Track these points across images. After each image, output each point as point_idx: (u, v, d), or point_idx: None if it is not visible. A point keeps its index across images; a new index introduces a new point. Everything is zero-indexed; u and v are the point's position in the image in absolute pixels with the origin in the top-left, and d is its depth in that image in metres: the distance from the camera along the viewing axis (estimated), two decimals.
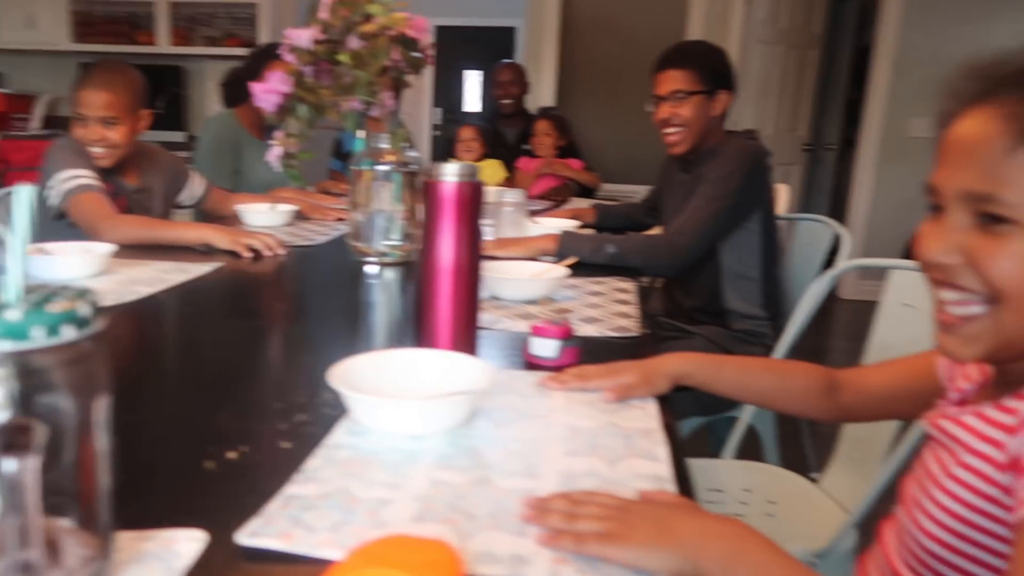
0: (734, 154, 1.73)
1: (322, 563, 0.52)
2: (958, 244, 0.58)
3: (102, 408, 0.48)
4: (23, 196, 0.49)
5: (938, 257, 0.59)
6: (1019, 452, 0.52)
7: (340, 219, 2.19)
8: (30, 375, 0.45)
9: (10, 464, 0.43)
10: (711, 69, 1.82)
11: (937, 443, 0.64)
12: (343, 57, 1.50)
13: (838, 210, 5.71)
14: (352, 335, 1.17)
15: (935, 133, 0.62)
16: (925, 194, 0.62)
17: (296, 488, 0.63)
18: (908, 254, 0.78)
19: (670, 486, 0.66)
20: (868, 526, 0.91)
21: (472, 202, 0.89)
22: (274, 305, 1.35)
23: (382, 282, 1.50)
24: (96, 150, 1.80)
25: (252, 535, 0.55)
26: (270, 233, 1.75)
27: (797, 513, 1.34)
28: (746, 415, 1.52)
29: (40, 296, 0.46)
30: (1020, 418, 0.53)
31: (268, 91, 1.56)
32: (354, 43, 1.52)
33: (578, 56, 5.14)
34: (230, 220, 2.12)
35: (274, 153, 1.61)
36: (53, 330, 0.45)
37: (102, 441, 0.48)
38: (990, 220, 0.56)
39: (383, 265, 1.58)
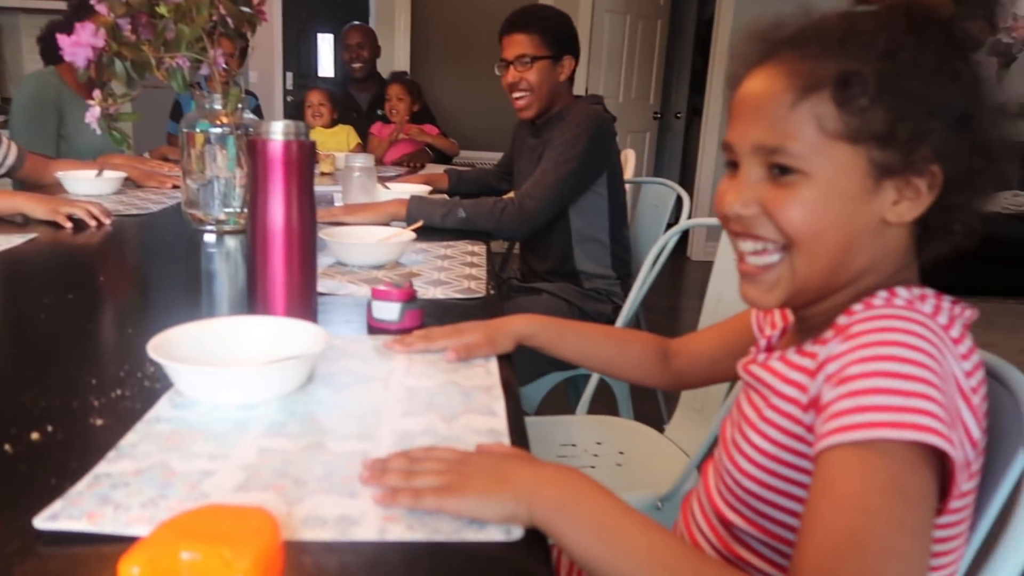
0: (579, 119, 1.76)
1: (132, 541, 0.49)
2: (754, 196, 0.62)
3: None
4: None
5: (737, 210, 0.63)
6: (819, 393, 0.56)
7: (176, 186, 2.05)
8: None
9: None
10: (556, 34, 1.84)
11: (751, 388, 0.69)
12: (162, 9, 1.39)
13: (687, 175, 6.00)
14: (188, 307, 1.11)
15: (728, 96, 0.66)
16: (723, 152, 0.66)
17: (107, 466, 0.58)
18: None
19: (506, 439, 0.67)
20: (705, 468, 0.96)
21: (301, 162, 0.85)
22: (98, 278, 1.25)
23: (221, 251, 1.42)
24: None
25: (52, 518, 0.51)
26: (94, 201, 1.61)
27: (645, 461, 1.41)
28: None
29: None
30: (819, 361, 0.57)
31: (77, 45, 1.42)
32: None
33: (432, 20, 5.07)
34: (51, 188, 1.94)
35: (92, 114, 1.47)
36: None
37: None
38: (780, 171, 0.60)
39: (222, 233, 1.50)
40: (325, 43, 6.69)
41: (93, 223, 1.54)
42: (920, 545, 0.48)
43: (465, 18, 5.10)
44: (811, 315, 0.66)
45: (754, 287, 0.64)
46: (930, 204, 0.59)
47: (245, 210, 1.52)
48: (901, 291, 0.58)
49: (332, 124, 3.23)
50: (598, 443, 1.46)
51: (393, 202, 1.67)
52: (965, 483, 0.55)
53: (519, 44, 1.83)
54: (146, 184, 2.08)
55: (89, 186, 1.88)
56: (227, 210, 1.51)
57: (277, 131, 0.85)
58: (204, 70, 1.49)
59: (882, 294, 0.58)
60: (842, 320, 0.57)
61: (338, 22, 4.81)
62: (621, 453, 1.42)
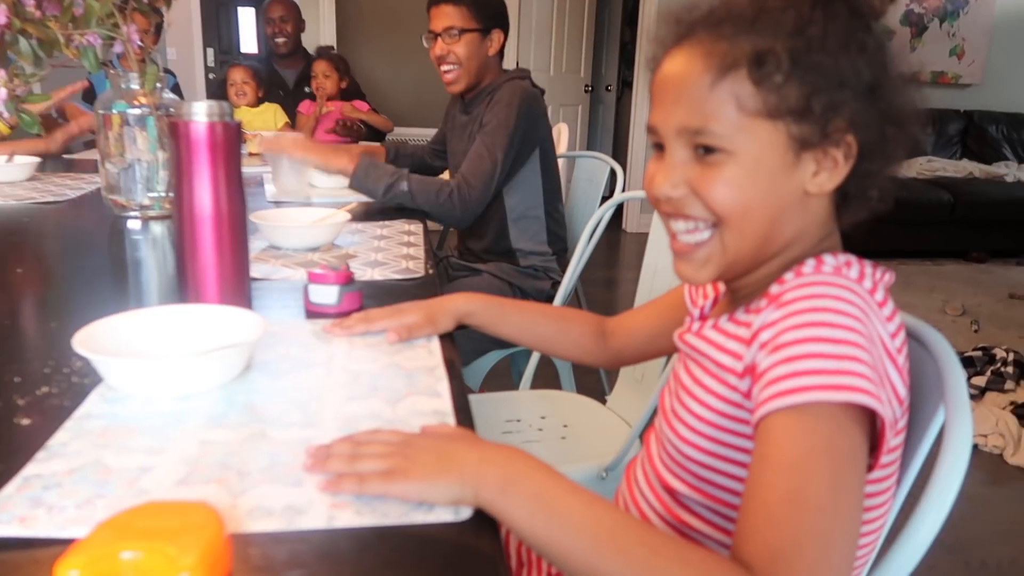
0: (508, 97, 1.75)
1: (69, 544, 0.47)
2: (682, 177, 0.63)
3: None
4: None
5: (666, 191, 0.64)
6: (754, 360, 0.58)
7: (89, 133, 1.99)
8: None
9: None
10: (485, 7, 1.82)
11: (687, 357, 0.70)
12: None
13: (620, 148, 6.07)
14: (114, 298, 1.06)
15: (648, 78, 0.67)
16: (648, 135, 0.67)
17: (37, 467, 0.56)
18: None
19: (451, 420, 0.67)
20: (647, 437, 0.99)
21: (227, 144, 0.83)
22: (15, 270, 1.19)
23: (147, 238, 1.37)
24: None
25: None
26: None
27: (588, 433, 1.43)
28: None
29: None
30: (753, 330, 0.59)
31: None
32: None
33: None
34: None
35: None
36: None
37: None
38: (705, 151, 0.62)
39: (146, 219, 1.45)
40: (247, 17, 6.46)
41: None
42: (854, 501, 0.51)
43: None
44: (742, 286, 0.68)
45: (687, 264, 0.66)
46: (847, 173, 0.61)
47: (170, 195, 1.47)
48: (828, 259, 0.60)
49: (258, 103, 3.14)
50: (542, 417, 1.47)
51: (344, 156, 1.63)
52: (893, 439, 0.58)
53: (447, 16, 1.80)
54: (58, 146, 2.03)
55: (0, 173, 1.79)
56: (151, 195, 1.46)
57: (200, 112, 0.82)
58: (118, 47, 1.43)
59: (810, 262, 0.60)
60: (774, 289, 0.59)
61: None
62: (565, 426, 1.44)
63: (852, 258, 0.61)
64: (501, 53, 1.89)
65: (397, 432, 0.61)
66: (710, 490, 0.65)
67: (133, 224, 1.43)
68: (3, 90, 1.41)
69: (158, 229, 1.41)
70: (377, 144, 2.36)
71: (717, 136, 0.60)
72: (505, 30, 1.86)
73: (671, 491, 0.70)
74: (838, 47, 0.59)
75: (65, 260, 1.30)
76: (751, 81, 0.59)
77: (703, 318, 0.73)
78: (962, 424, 0.58)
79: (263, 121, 3.08)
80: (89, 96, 3.16)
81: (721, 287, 0.76)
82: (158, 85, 1.46)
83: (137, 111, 1.43)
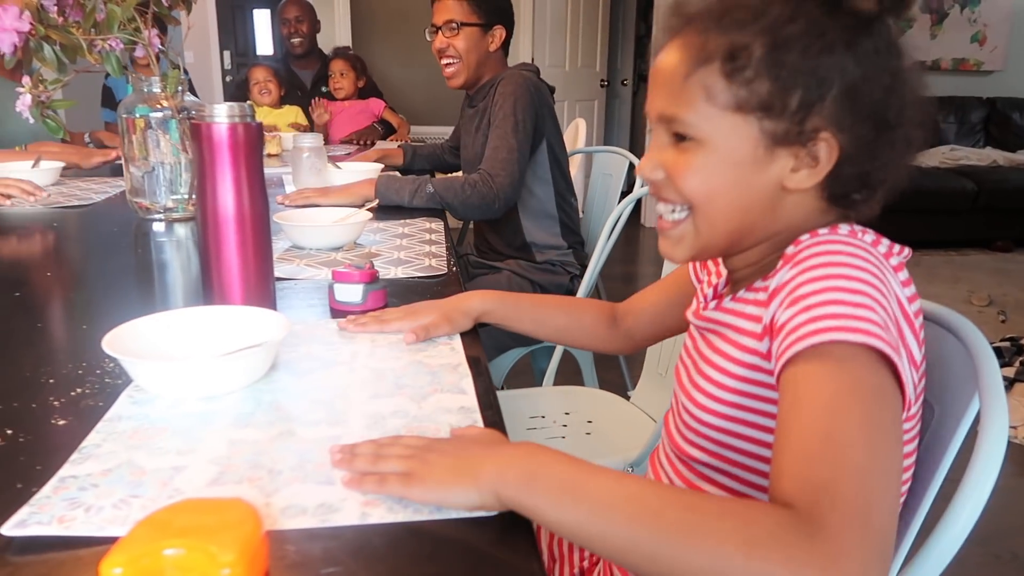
0: (509, 88, 1.74)
1: (108, 543, 0.48)
2: (660, 161, 0.66)
3: None
4: None
5: (647, 174, 0.67)
6: (772, 317, 0.58)
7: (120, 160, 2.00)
8: None
9: None
10: (487, 2, 1.82)
11: (705, 331, 0.71)
12: None
13: (637, 142, 6.04)
14: (141, 299, 1.08)
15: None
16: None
17: (72, 468, 0.57)
18: None
19: (478, 417, 0.67)
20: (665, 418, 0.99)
21: (249, 145, 0.83)
22: (46, 273, 1.20)
23: (171, 240, 1.38)
24: None
25: (20, 525, 0.50)
26: (22, 179, 1.56)
27: (613, 429, 1.43)
28: None
29: None
30: (770, 291, 0.60)
31: (1, 30, 1.35)
32: None
33: None
34: None
35: (24, 102, 1.41)
36: None
37: None
38: (679, 138, 0.64)
39: (171, 221, 1.46)
40: (263, 19, 6.50)
41: (30, 199, 1.50)
42: (893, 438, 0.50)
43: None
44: (736, 267, 0.71)
45: (665, 241, 0.70)
46: (830, 172, 0.62)
47: (194, 197, 1.49)
48: (842, 226, 0.61)
49: (279, 103, 3.16)
50: (566, 413, 1.47)
51: (364, 183, 1.65)
52: (913, 406, 0.57)
53: (448, 9, 1.81)
54: (89, 163, 2.01)
55: (26, 178, 1.81)
56: (174, 197, 1.47)
57: (222, 114, 0.83)
58: (139, 51, 1.44)
59: (823, 229, 0.60)
60: (790, 250, 0.60)
61: None
62: (589, 422, 1.44)
63: (867, 229, 0.62)
64: (505, 49, 1.88)
65: (420, 437, 0.61)
66: (729, 454, 0.66)
67: (157, 226, 1.45)
68: (28, 96, 1.43)
69: (182, 231, 1.42)
70: (394, 147, 2.36)
71: (688, 124, 0.62)
72: (508, 26, 1.86)
73: (690, 459, 0.71)
74: (818, 45, 0.59)
75: (92, 263, 1.32)
76: (722, 74, 0.61)
77: (718, 296, 0.74)
78: (998, 413, 0.58)
79: (284, 122, 3.11)
80: (109, 102, 3.20)
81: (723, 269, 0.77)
82: (179, 88, 1.47)
83: (159, 114, 1.45)
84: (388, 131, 3.30)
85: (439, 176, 1.69)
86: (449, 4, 1.81)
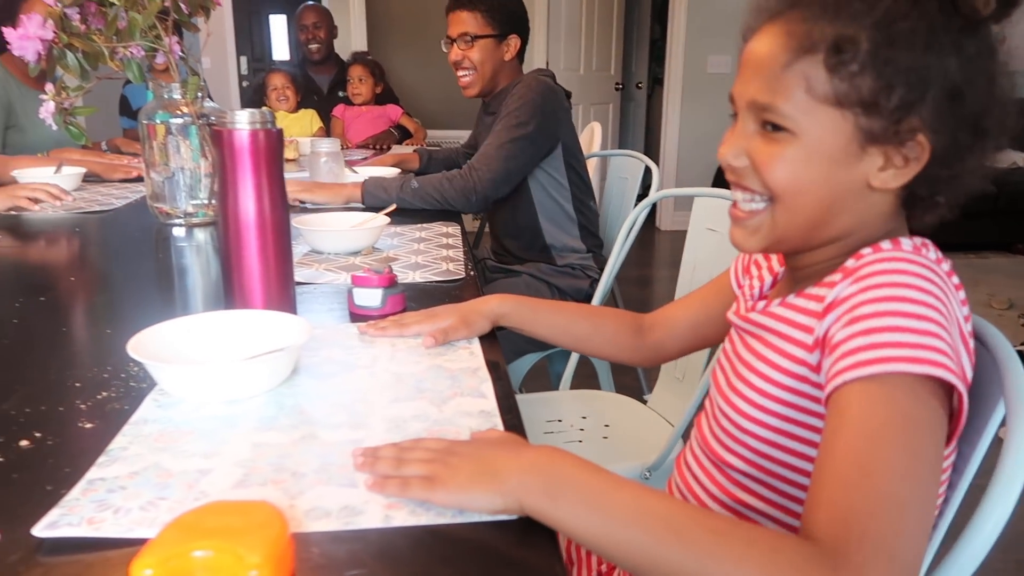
0: (523, 91, 1.75)
1: (137, 544, 0.48)
2: (745, 148, 0.64)
3: None
4: None
5: (729, 160, 0.65)
6: (826, 332, 0.58)
7: (141, 177, 2.02)
8: None
9: None
10: (501, 12, 1.83)
11: (747, 333, 0.70)
12: None
13: (652, 145, 6.03)
14: (162, 303, 1.09)
15: (740, 48, 0.67)
16: (728, 103, 0.67)
17: (100, 471, 0.58)
18: (716, 183, 0.84)
19: (498, 420, 0.68)
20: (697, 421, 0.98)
21: (270, 151, 0.84)
22: (68, 278, 1.22)
23: (191, 245, 1.40)
24: None
25: (51, 527, 0.50)
26: (48, 183, 1.59)
27: (630, 433, 1.43)
28: None
29: None
30: (826, 303, 0.59)
31: (25, 38, 1.37)
32: None
33: None
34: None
35: (47, 109, 1.43)
36: None
37: None
38: (771, 128, 0.62)
39: (191, 226, 1.48)
40: (279, 25, 6.55)
41: (57, 203, 1.52)
42: (933, 473, 0.50)
43: None
44: (800, 266, 0.68)
45: (739, 230, 0.68)
46: (917, 173, 0.60)
47: (213, 202, 1.50)
48: (904, 240, 0.59)
49: (296, 108, 3.18)
50: (583, 417, 1.47)
51: (350, 184, 1.66)
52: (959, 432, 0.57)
53: (462, 22, 1.82)
54: (111, 176, 2.04)
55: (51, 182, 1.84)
56: (194, 202, 1.48)
57: (243, 120, 0.84)
58: (159, 58, 1.46)
59: (885, 243, 0.59)
60: (850, 263, 0.59)
61: (290, 2, 4.71)
62: (606, 426, 1.44)
63: (928, 242, 0.61)
64: (521, 57, 1.89)
65: (441, 440, 0.61)
66: (768, 465, 0.65)
67: (177, 231, 1.46)
68: (52, 103, 1.45)
69: (201, 236, 1.44)
70: (410, 151, 2.38)
71: (783, 115, 0.60)
72: (523, 34, 1.86)
73: (727, 467, 0.70)
74: (926, 45, 0.57)
75: (114, 267, 1.34)
76: (825, 67, 0.58)
77: (763, 297, 0.73)
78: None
79: (300, 127, 3.13)
80: (126, 110, 3.23)
81: (776, 269, 0.76)
82: (199, 94, 1.49)
83: (179, 120, 1.46)
84: (404, 136, 3.32)
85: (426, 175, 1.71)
86: (463, 16, 1.81)
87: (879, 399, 0.51)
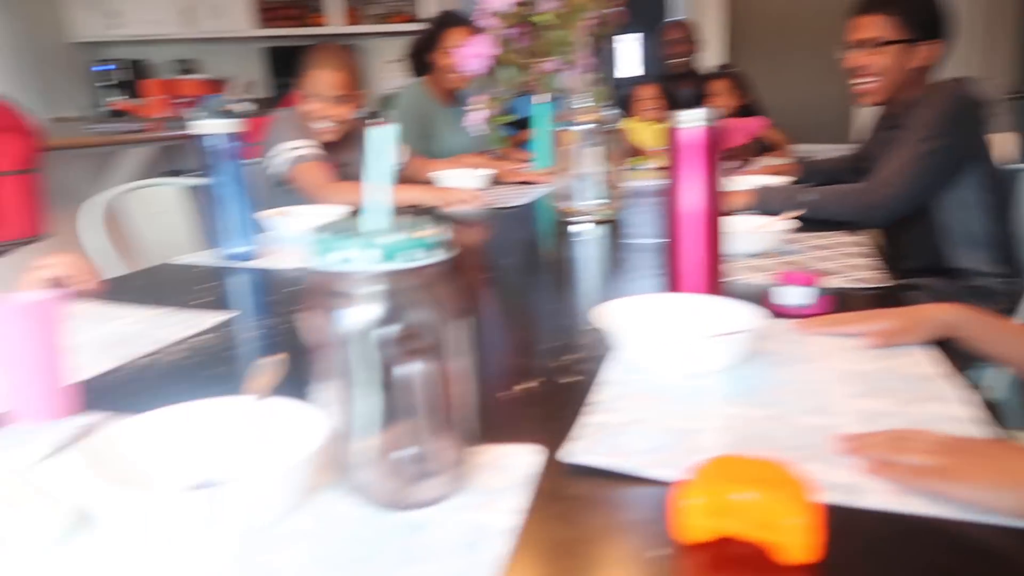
0: (938, 101, 1.59)
1: (649, 482, 0.54)
2: None
3: (464, 325, 0.52)
4: (382, 137, 0.53)
5: None
6: None
7: (528, 182, 2.26)
8: (402, 293, 0.49)
9: (408, 367, 0.48)
10: (918, 15, 1.67)
11: None
12: (546, 17, 1.52)
13: None
14: (606, 284, 1.25)
15: None
16: None
17: (596, 417, 0.65)
18: None
19: (974, 429, 0.63)
20: None
21: (714, 146, 0.89)
22: (509, 263, 1.43)
23: (593, 239, 1.52)
24: (325, 125, 1.95)
25: (573, 455, 0.58)
26: (466, 190, 1.85)
27: None
28: None
29: (407, 223, 0.50)
30: None
31: (474, 56, 1.60)
32: (550, 3, 1.53)
33: (747, 8, 4.91)
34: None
35: (477, 117, 1.66)
36: (427, 251, 0.48)
37: (464, 356, 0.52)
38: None
39: (591, 223, 1.61)
40: (625, 44, 6.82)
41: (475, 203, 1.79)
42: None
43: (780, 6, 4.88)
44: None
45: None
46: None
47: (610, 202, 1.62)
48: None
49: (663, 119, 3.29)
50: None
51: (744, 192, 1.66)
52: None
53: (872, 26, 1.68)
54: (509, 179, 2.31)
55: (466, 183, 2.13)
56: (594, 202, 1.61)
57: (693, 119, 0.89)
58: (570, 70, 1.61)
59: None
60: None
61: (637, 23, 4.86)
62: None
63: None
64: (931, 66, 1.71)
65: (937, 434, 0.59)
66: None
67: (576, 228, 1.60)
68: (482, 112, 1.68)
69: (599, 232, 1.56)
70: (788, 163, 2.32)
71: None
72: (941, 41, 1.68)
73: None
74: None
75: (531, 256, 1.51)
76: None
77: None
78: None
79: (658, 138, 3.23)
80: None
81: None
82: (604, 103, 1.61)
83: (585, 127, 1.60)
84: (763, 149, 3.24)
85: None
86: (875, 20, 1.68)
87: None
